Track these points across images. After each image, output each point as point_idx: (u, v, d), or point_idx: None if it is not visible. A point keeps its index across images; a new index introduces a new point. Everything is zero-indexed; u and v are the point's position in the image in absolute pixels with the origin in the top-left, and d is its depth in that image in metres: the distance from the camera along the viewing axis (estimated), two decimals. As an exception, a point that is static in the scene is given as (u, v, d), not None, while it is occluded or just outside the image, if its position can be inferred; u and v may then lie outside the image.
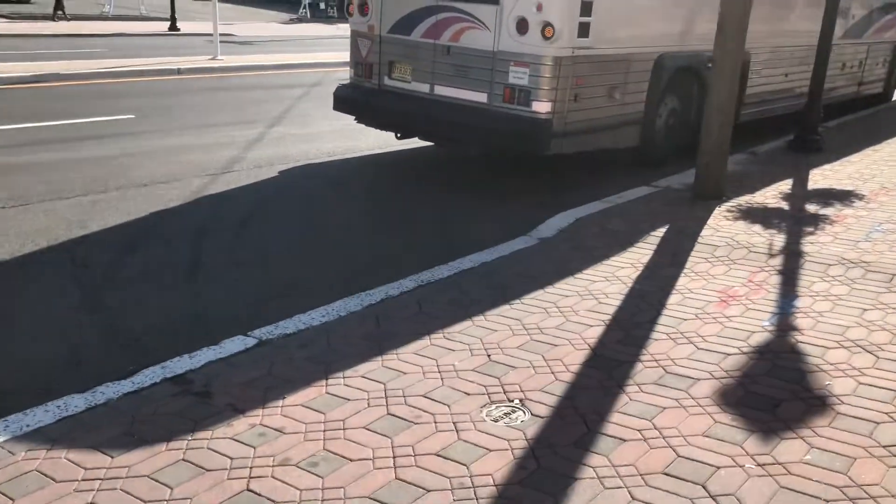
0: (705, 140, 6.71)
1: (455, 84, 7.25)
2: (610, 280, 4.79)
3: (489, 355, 3.72)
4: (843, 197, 6.96)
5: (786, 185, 7.38)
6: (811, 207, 6.54)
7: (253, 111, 10.64)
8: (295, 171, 7.55)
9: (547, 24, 6.58)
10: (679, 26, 8.02)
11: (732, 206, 6.51)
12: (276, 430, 3.04)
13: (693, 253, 5.30)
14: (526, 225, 6.05)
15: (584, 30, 6.79)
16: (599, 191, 7.12)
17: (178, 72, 14.12)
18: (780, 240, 5.59)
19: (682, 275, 4.89)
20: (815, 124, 9.20)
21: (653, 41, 7.71)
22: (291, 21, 36.99)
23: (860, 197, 6.97)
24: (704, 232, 5.76)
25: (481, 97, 7.09)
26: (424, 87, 7.48)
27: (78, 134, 8.61)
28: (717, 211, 6.36)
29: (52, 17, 27.09)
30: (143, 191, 6.55)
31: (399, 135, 7.98)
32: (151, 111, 10.14)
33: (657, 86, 7.93)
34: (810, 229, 5.87)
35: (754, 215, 6.24)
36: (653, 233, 5.73)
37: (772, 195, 6.96)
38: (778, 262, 5.13)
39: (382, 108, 7.67)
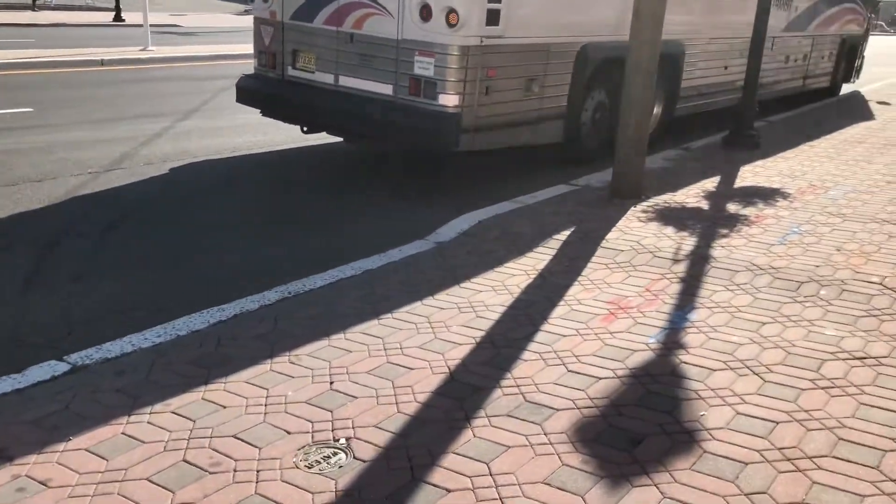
0: (621, 136, 6.31)
1: (360, 75, 6.77)
2: (497, 290, 4.35)
3: (332, 382, 3.26)
4: (768, 196, 6.60)
5: (712, 184, 7.01)
6: (732, 207, 6.17)
7: (168, 104, 10.07)
8: (187, 168, 7.03)
9: (451, 11, 6.12)
10: (606, 14, 7.61)
11: (649, 207, 6.12)
12: (40, 482, 2.55)
13: (593, 258, 4.89)
14: (429, 227, 5.62)
15: (493, 17, 6.33)
16: (516, 189, 6.71)
17: (102, 63, 13.46)
18: (689, 243, 5.20)
19: (576, 283, 4.47)
20: (749, 119, 8.87)
21: (575, 30, 7.28)
22: (246, 13, 36.18)
23: (786, 196, 6.61)
24: (611, 235, 5.35)
25: (386, 89, 6.62)
26: (329, 78, 6.99)
27: (-36, 128, 8.00)
28: (630, 212, 5.96)
29: (32, 7, 26.44)
30: (7, 191, 5.99)
31: (305, 129, 7.48)
32: (55, 104, 9.52)
33: (581, 78, 7.51)
34: (725, 231, 5.49)
35: (669, 216, 5.85)
36: (556, 236, 5.32)
37: (694, 194, 6.59)
38: (682, 268, 4.73)
39: (286, 100, 7.17)
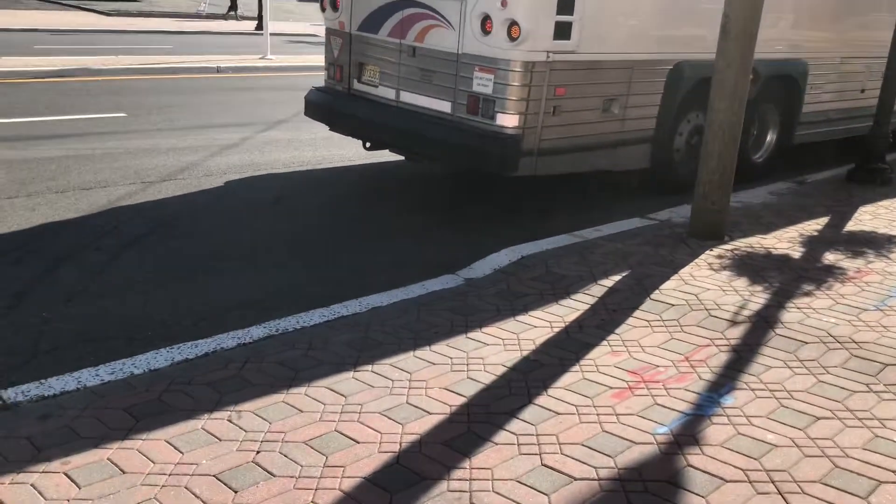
0: (703, 168, 5.51)
1: (420, 90, 6.32)
2: (507, 345, 3.76)
3: (258, 452, 2.80)
4: (882, 245, 5.59)
5: (816, 226, 6.05)
6: (830, 257, 5.24)
7: (261, 113, 10.02)
8: (244, 181, 6.81)
9: (513, 23, 5.55)
10: (704, 28, 6.77)
11: (728, 251, 5.29)
12: None
13: (636, 312, 4.18)
14: (470, 258, 5.09)
15: (563, 30, 5.71)
16: (584, 220, 6.05)
17: (217, 70, 13.75)
18: (759, 301, 4.38)
19: (603, 343, 3.80)
20: (881, 150, 7.71)
21: (668, 45, 6.52)
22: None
23: (903, 245, 5.59)
24: (669, 284, 4.61)
25: (445, 107, 6.13)
26: (391, 93, 6.58)
27: (50, 131, 8.19)
28: (704, 256, 5.17)
29: (224, 17, 28.25)
30: (54, 198, 5.96)
31: (367, 146, 7.10)
32: (151, 110, 9.67)
33: (673, 99, 6.73)
34: (810, 288, 4.61)
35: (748, 265, 5.02)
36: (604, 280, 4.64)
37: (789, 238, 5.67)
38: (739, 333, 3.95)
39: (348, 114, 6.82)
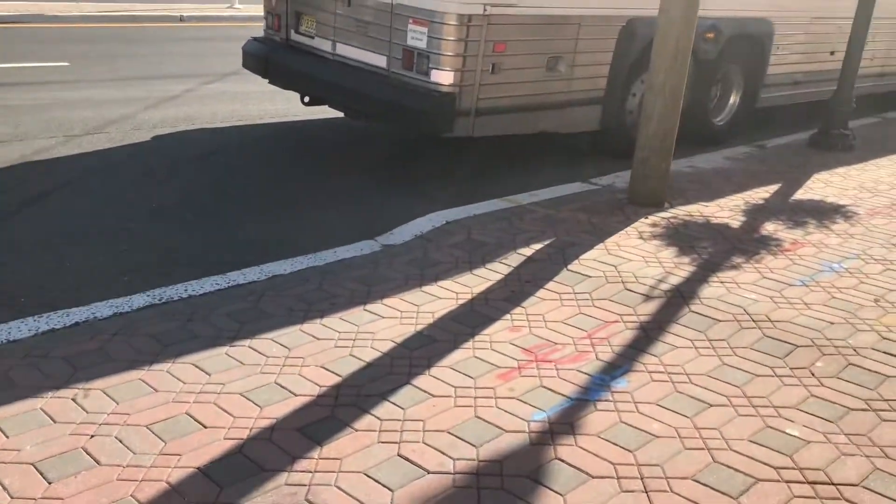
0: (642, 132, 5.24)
1: (356, 42, 6.00)
2: (404, 318, 3.54)
3: (91, 436, 2.58)
4: (827, 214, 5.36)
5: (764, 193, 5.81)
6: (769, 227, 5.01)
7: (212, 64, 9.65)
8: (173, 136, 6.51)
9: (446, -27, 5.22)
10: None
11: (664, 219, 5.05)
12: None
13: (550, 284, 3.95)
14: (394, 223, 4.85)
15: (501, -18, 5.39)
16: (524, 184, 5.80)
17: (181, 19, 13.29)
18: (682, 274, 4.15)
19: (506, 317, 3.57)
20: (843, 116, 7.43)
21: (618, 1, 6.18)
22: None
23: (849, 216, 5.35)
24: (591, 254, 4.37)
25: (381, 61, 5.82)
26: (327, 45, 6.25)
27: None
28: (637, 224, 4.93)
29: None
30: (-37, 151, 5.67)
31: (306, 100, 6.77)
32: (96, 60, 9.29)
33: (626, 58, 6.42)
34: (740, 261, 4.38)
35: (682, 234, 4.79)
36: (525, 249, 4.40)
37: (733, 206, 5.43)
38: (651, 308, 3.73)
39: (283, 66, 6.49)
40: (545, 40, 5.87)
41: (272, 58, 6.56)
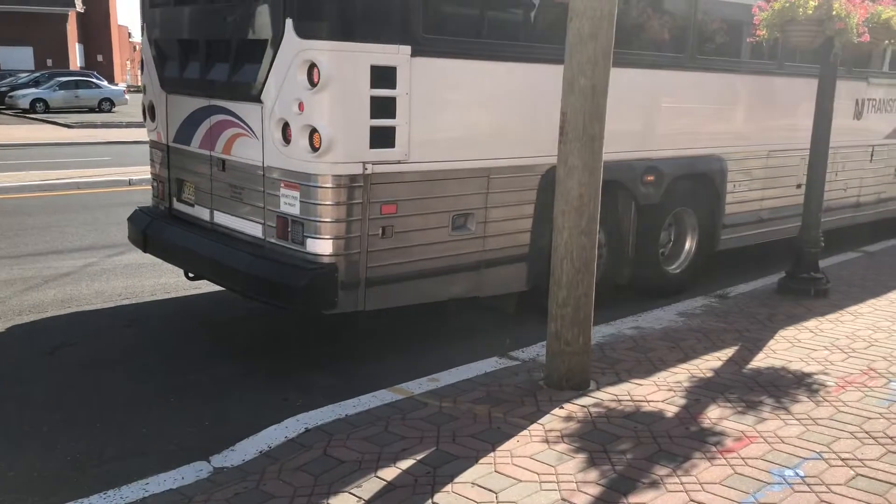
0: (552, 301, 4.37)
1: (232, 210, 5.28)
2: None
3: None
4: (788, 388, 4.39)
5: (716, 361, 4.87)
6: (713, 414, 4.03)
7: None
8: (35, 325, 5.68)
9: (313, 130, 4.53)
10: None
11: (585, 407, 4.09)
12: None
13: (399, 529, 2.95)
14: (245, 431, 3.91)
15: (383, 137, 4.69)
16: (436, 359, 4.93)
17: (130, 183, 12.89)
18: (582, 502, 3.14)
19: None
20: (811, 258, 6.56)
21: (533, 147, 5.44)
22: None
23: (815, 390, 4.37)
24: (470, 473, 3.39)
25: (256, 230, 5.07)
26: (205, 213, 5.54)
27: None
28: (548, 418, 3.97)
29: None
30: None
31: (190, 274, 5.97)
32: (14, 233, 8.64)
33: (551, 209, 5.61)
34: (663, 472, 3.38)
35: (600, 432, 3.81)
36: (391, 468, 3.43)
37: (674, 382, 4.48)
38: (524, 568, 2.71)
39: (160, 239, 5.75)
40: (448, 197, 5.13)
41: (150, 230, 5.83)
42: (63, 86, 31.20)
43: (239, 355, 5.32)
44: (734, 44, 7.01)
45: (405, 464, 3.48)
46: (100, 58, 47.56)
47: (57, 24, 41.71)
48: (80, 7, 43.08)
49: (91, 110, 31.18)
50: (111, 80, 41.69)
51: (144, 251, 5.96)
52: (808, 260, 6.55)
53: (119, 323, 5.83)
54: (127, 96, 33.46)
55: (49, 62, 39.93)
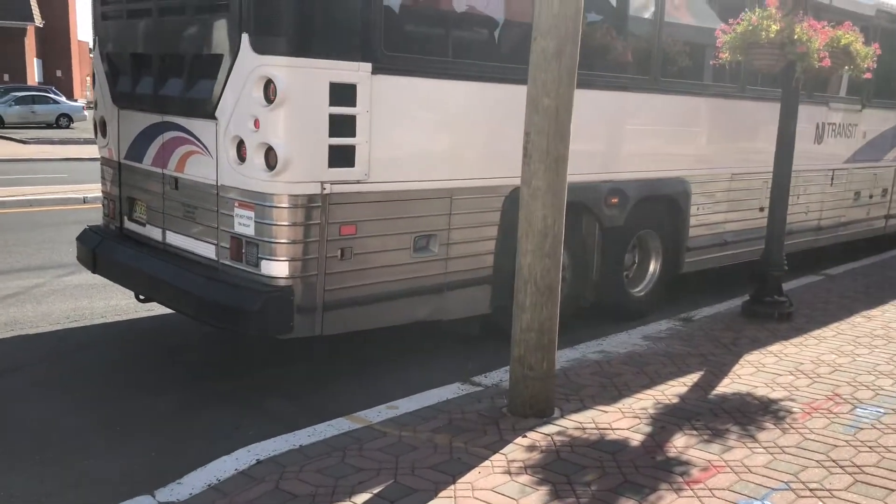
0: (515, 325, 4.25)
1: (184, 230, 5.09)
2: None
3: None
4: (753, 416, 4.31)
5: (681, 387, 4.78)
6: (680, 443, 3.93)
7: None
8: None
9: (269, 148, 4.38)
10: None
11: (548, 436, 3.97)
12: None
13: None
14: (195, 461, 3.71)
15: (343, 156, 4.55)
16: (395, 385, 4.77)
17: (84, 200, 12.56)
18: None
19: None
20: (775, 282, 6.55)
21: (498, 167, 5.34)
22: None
23: (782, 417, 4.30)
24: (430, 507, 3.23)
25: (209, 251, 4.88)
26: (157, 233, 5.34)
27: None
28: (510, 447, 3.83)
29: None
30: None
31: (140, 297, 5.76)
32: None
33: (515, 231, 5.51)
34: (630, 505, 3.26)
35: (564, 463, 3.68)
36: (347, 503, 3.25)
37: (639, 409, 4.38)
38: None
39: (110, 259, 5.53)
40: (409, 218, 4.99)
41: (100, 249, 5.60)
42: (19, 101, 30.57)
43: (191, 381, 5.11)
44: (698, 67, 7.02)
45: (361, 498, 3.32)
46: (59, 73, 46.65)
47: (15, 39, 40.88)
48: (38, 21, 42.27)
49: (49, 126, 30.60)
50: (70, 95, 41.02)
51: (94, 272, 5.73)
52: (772, 283, 6.53)
53: (65, 347, 5.58)
54: (86, 112, 32.83)
55: (6, 77, 39.11)
